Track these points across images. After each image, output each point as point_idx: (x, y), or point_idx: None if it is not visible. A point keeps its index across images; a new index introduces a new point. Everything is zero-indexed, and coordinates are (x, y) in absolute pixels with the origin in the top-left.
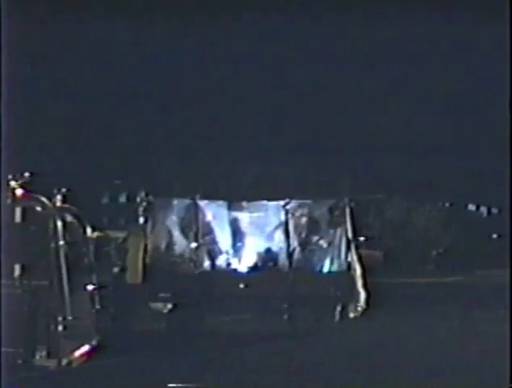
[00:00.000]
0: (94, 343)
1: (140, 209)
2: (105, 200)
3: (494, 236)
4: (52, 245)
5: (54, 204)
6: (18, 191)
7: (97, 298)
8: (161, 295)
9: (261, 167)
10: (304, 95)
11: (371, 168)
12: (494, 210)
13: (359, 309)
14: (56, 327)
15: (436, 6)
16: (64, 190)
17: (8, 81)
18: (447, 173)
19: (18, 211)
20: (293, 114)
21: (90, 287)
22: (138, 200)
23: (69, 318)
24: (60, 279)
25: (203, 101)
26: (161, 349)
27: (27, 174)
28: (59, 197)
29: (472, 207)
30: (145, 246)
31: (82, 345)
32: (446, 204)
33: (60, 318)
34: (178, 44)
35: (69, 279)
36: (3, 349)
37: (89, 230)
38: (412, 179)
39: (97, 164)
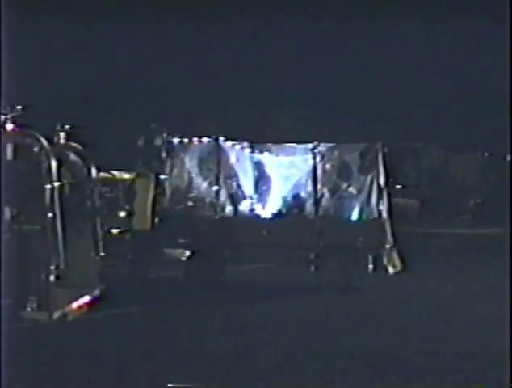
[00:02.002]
0: (96, 292)
1: (162, 150)
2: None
3: None
4: (48, 186)
5: (55, 141)
6: (9, 126)
7: (101, 244)
8: (179, 241)
9: (289, 112)
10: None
11: (408, 115)
12: None
13: (392, 264)
14: (48, 277)
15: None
16: (67, 126)
17: None
18: (487, 122)
19: (9, 148)
20: (325, 61)
21: (92, 232)
22: (159, 141)
23: (62, 266)
24: (54, 223)
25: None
26: (176, 299)
27: (19, 107)
28: (62, 134)
29: (508, 157)
30: (156, 188)
31: (82, 296)
32: (485, 154)
33: (52, 267)
34: None
35: (64, 223)
36: None
37: (94, 171)
38: (450, 127)
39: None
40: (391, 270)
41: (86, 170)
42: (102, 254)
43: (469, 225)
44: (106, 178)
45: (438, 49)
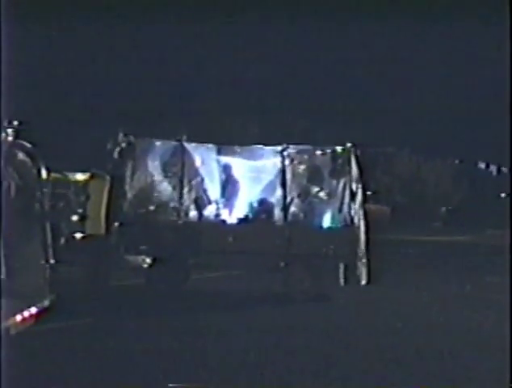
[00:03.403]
0: (45, 303)
1: (117, 151)
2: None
3: (503, 195)
4: None
5: (1, 139)
6: None
7: (51, 251)
8: (140, 247)
9: (258, 112)
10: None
11: (381, 120)
12: (504, 169)
13: (364, 272)
14: None
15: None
16: (15, 123)
17: None
18: (459, 129)
19: None
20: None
21: (41, 237)
22: (117, 140)
23: (3, 276)
24: None
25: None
26: (136, 309)
27: None
28: (9, 131)
29: (481, 165)
30: (111, 190)
31: (29, 307)
32: (456, 161)
33: None
34: None
35: (9, 228)
36: None
37: (44, 171)
38: (423, 133)
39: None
40: (363, 280)
41: (35, 170)
42: (53, 261)
43: (440, 233)
44: (57, 179)
45: (416, 53)
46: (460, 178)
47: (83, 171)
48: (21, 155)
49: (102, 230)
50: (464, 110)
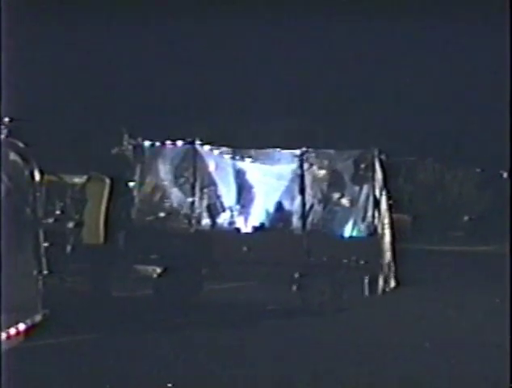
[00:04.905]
0: (37, 318)
1: (124, 154)
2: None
3: None
4: None
5: None
6: None
7: (44, 260)
8: (150, 256)
9: (276, 117)
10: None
11: (404, 128)
12: None
13: (389, 284)
14: None
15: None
16: (7, 119)
17: None
18: (483, 138)
19: None
20: (320, 68)
21: (32, 246)
22: (124, 143)
23: None
24: None
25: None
26: (144, 322)
27: None
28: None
29: (505, 174)
30: (110, 195)
31: (17, 322)
32: (478, 170)
33: None
34: None
35: None
36: None
37: (37, 173)
38: (446, 142)
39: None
40: (388, 290)
41: (27, 172)
42: (46, 272)
43: (463, 242)
44: (52, 182)
45: (429, 57)
46: (484, 187)
47: (82, 174)
48: (12, 155)
49: (101, 239)
50: (487, 118)
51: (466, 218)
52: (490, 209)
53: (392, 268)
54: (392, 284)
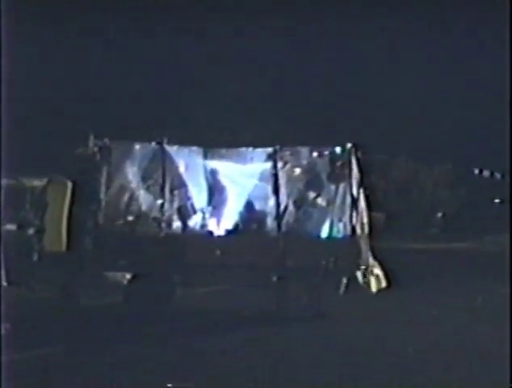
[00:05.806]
0: None
1: (89, 155)
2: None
3: (498, 201)
4: None
5: None
6: None
7: (2, 272)
8: (119, 263)
9: (246, 113)
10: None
11: (375, 127)
12: (497, 175)
13: (378, 284)
14: None
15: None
16: None
17: None
18: (455, 135)
19: None
20: (293, 64)
21: None
22: (89, 144)
23: None
24: None
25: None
26: (116, 330)
27: None
28: None
29: (476, 171)
30: (72, 199)
31: None
32: (450, 167)
33: None
34: None
35: None
36: None
37: None
38: (418, 139)
39: None
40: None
41: None
42: (5, 283)
43: (437, 239)
44: (9, 186)
45: (404, 54)
46: (457, 184)
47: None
48: None
49: (62, 246)
50: (462, 115)
51: (439, 215)
52: (464, 206)
53: (374, 269)
54: (378, 284)
